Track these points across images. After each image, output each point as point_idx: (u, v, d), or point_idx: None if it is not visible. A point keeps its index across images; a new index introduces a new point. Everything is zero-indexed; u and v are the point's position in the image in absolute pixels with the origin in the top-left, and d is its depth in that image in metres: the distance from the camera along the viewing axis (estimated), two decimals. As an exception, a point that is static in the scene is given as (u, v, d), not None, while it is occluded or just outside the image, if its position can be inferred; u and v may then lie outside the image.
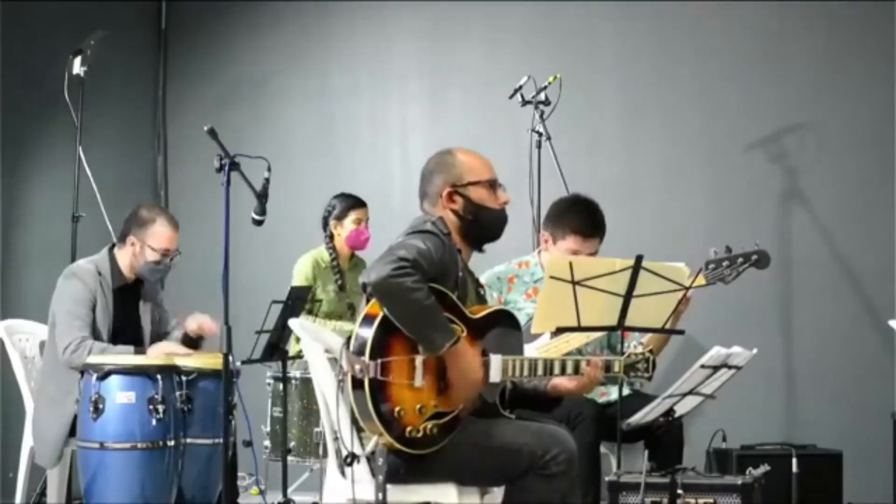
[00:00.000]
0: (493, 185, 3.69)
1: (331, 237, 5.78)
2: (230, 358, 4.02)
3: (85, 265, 4.76)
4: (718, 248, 4.27)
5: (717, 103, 6.16)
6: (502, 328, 3.62)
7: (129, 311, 4.80)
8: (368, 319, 3.40)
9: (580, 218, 4.49)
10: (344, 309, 5.71)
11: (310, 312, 5.61)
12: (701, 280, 4.13)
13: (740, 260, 4.25)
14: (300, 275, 5.68)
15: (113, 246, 4.83)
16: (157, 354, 4.60)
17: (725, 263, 4.24)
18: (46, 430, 4.63)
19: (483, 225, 3.68)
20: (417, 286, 3.33)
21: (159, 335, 4.88)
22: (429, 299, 3.35)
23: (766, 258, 4.27)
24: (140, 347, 4.68)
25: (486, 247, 3.74)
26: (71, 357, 4.53)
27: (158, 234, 4.74)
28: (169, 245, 4.76)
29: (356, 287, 5.57)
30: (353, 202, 5.76)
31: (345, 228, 5.73)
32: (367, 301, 3.45)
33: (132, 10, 6.98)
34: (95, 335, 4.62)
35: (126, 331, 4.75)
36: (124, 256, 4.78)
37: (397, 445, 3.37)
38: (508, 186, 3.74)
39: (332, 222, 5.76)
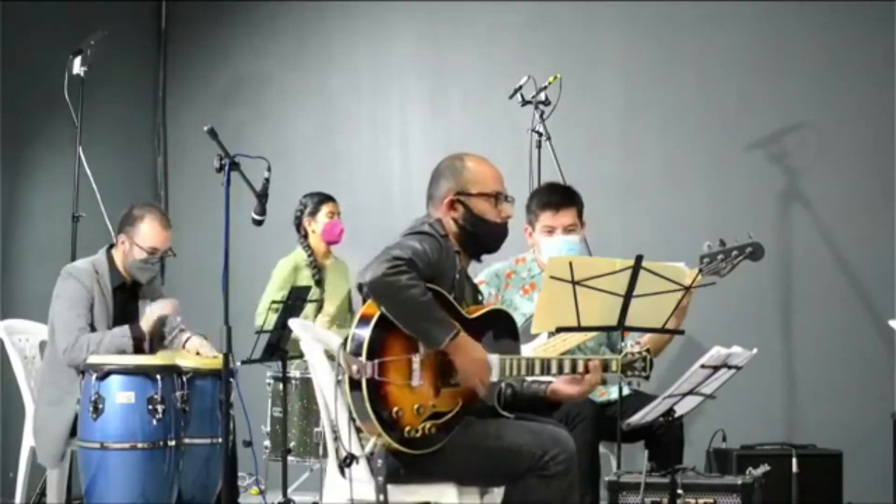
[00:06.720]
0: (498, 197, 3.65)
1: (305, 236, 5.80)
2: (230, 358, 4.02)
3: (82, 265, 4.76)
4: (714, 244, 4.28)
5: (717, 103, 6.16)
6: (498, 328, 3.61)
7: (128, 309, 4.79)
8: (365, 320, 3.39)
9: (543, 193, 4.58)
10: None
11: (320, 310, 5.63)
12: (698, 277, 4.12)
13: (735, 252, 4.24)
14: (277, 278, 5.67)
15: (111, 246, 4.84)
16: (150, 319, 4.63)
17: (720, 256, 4.24)
18: (48, 430, 4.63)
19: (481, 237, 3.65)
20: (413, 283, 3.32)
21: (161, 334, 4.87)
22: (425, 296, 3.34)
23: (760, 250, 4.27)
24: (136, 324, 4.65)
25: (487, 248, 3.73)
26: (71, 356, 4.54)
27: (146, 232, 4.73)
28: (156, 244, 4.74)
29: (331, 284, 5.66)
30: (323, 197, 5.82)
31: (318, 223, 5.77)
32: (364, 301, 3.45)
33: (132, 10, 6.98)
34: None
35: (126, 329, 4.75)
36: (119, 255, 4.78)
37: (396, 446, 3.37)
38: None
39: (305, 220, 5.81)
